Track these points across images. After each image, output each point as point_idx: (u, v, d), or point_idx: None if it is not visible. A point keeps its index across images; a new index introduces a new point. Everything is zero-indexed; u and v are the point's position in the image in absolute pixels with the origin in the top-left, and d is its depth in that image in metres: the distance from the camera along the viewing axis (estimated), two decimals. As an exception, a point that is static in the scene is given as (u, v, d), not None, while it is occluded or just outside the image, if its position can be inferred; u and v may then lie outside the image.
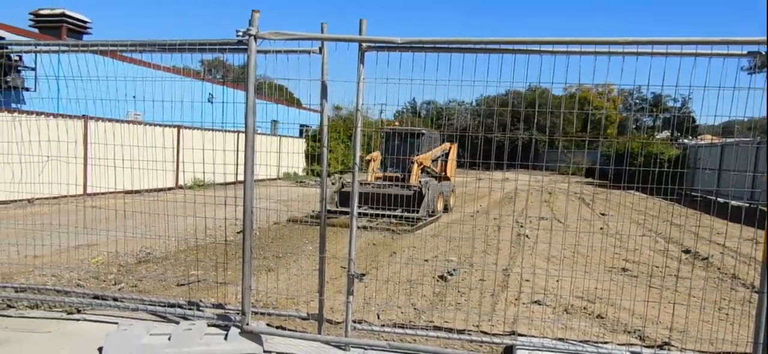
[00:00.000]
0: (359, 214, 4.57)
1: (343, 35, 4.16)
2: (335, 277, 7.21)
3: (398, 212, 12.78)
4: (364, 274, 6.12)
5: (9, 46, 5.93)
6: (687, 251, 10.18)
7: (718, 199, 17.32)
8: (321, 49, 4.28)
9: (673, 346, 4.85)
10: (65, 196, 11.53)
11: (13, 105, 15.36)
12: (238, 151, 4.75)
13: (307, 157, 27.33)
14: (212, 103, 5.09)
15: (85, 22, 20.50)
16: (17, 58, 15.46)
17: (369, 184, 13.73)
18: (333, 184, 15.29)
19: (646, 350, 4.44)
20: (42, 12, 19.61)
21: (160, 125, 15.48)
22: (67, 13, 19.63)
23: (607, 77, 4.17)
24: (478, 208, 16.23)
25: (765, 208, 3.95)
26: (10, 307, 5.08)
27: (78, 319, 4.87)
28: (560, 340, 4.65)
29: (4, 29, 16.09)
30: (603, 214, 15.63)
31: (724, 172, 20.62)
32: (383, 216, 12.23)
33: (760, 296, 3.84)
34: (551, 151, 17.95)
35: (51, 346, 4.31)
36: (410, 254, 9.12)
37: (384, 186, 13.85)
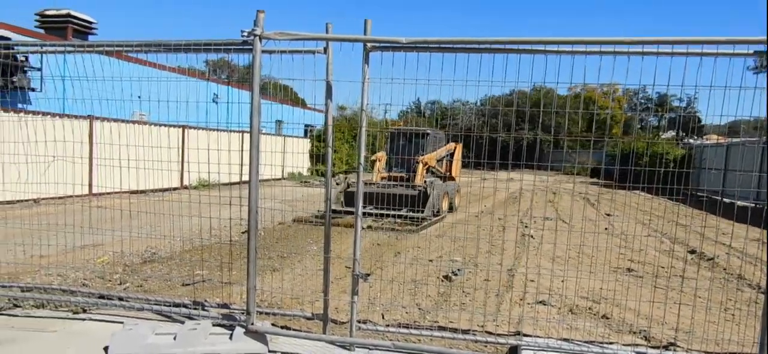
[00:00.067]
0: (364, 214, 4.57)
1: (347, 35, 4.16)
2: (340, 277, 7.21)
3: (403, 212, 12.78)
4: (368, 274, 6.12)
5: (15, 47, 5.97)
6: (692, 251, 10.12)
7: (724, 199, 17.22)
8: (325, 49, 4.28)
9: (678, 346, 4.83)
10: (71, 196, 11.58)
11: (19, 105, 15.44)
12: (242, 151, 4.76)
13: (311, 157, 27.36)
14: (217, 103, 5.11)
15: (91, 22, 20.61)
16: (23, 58, 15.58)
17: (374, 184, 13.73)
18: (338, 184, 15.30)
19: (652, 351, 4.42)
20: (48, 13, 19.72)
21: (165, 125, 15.54)
22: (73, 13, 19.74)
23: (612, 77, 4.16)
24: (483, 208, 16.21)
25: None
26: (16, 306, 5.11)
27: (83, 319, 4.90)
28: (565, 340, 4.63)
29: (10, 30, 16.19)
30: (608, 215, 15.58)
31: (730, 172, 20.53)
32: (388, 216, 12.23)
33: (766, 297, 3.81)
34: (556, 151, 17.88)
35: (57, 345, 4.33)
36: (415, 254, 9.11)
37: (389, 186, 13.85)
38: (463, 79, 4.12)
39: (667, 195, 5.22)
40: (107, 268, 7.14)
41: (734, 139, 19.22)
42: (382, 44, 4.13)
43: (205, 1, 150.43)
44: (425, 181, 14.20)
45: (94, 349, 4.26)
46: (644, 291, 6.71)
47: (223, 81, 24.50)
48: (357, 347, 4.37)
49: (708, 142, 23.07)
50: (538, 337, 4.83)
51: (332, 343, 4.44)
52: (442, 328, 4.87)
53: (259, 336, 4.34)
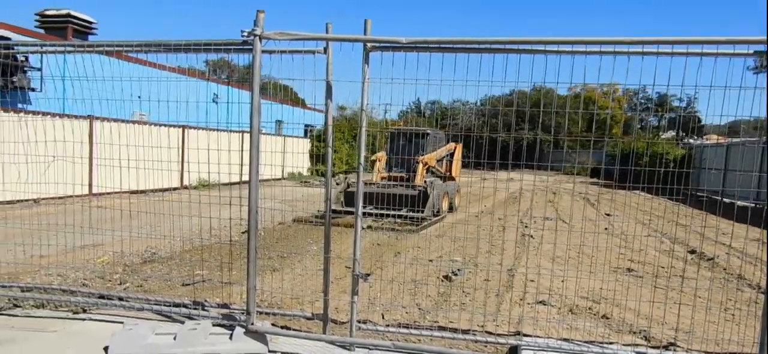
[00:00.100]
0: (364, 214, 4.57)
1: (347, 35, 4.16)
2: (340, 277, 7.21)
3: (403, 212, 12.78)
4: (368, 274, 6.12)
5: (15, 47, 5.97)
6: (692, 251, 10.12)
7: (724, 199, 17.22)
8: (325, 49, 4.28)
9: (678, 346, 4.83)
10: (71, 196, 11.58)
11: (19, 105, 15.44)
12: (242, 151, 4.76)
13: (311, 157, 27.36)
14: (217, 103, 5.12)
15: (91, 22, 20.61)
16: (23, 58, 15.58)
17: (374, 184, 13.73)
18: (338, 184, 15.30)
19: (652, 351, 4.42)
20: (48, 13, 19.73)
21: (165, 125, 15.55)
22: (73, 13, 19.75)
23: (612, 77, 4.16)
24: (483, 208, 16.22)
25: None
26: (16, 306, 5.11)
27: (84, 319, 4.90)
28: (565, 340, 4.63)
29: (10, 30, 16.20)
30: (608, 215, 15.58)
31: (730, 172, 20.52)
32: (388, 216, 12.23)
33: (766, 297, 3.81)
34: (556, 151, 17.89)
35: (57, 345, 4.33)
36: (415, 254, 9.11)
37: (389, 186, 13.85)
38: (463, 79, 4.12)
39: (667, 195, 5.22)
40: (107, 268, 7.14)
41: (734, 139, 19.23)
42: (382, 44, 4.13)
43: (205, 1, 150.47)
44: (425, 181, 14.21)
45: (94, 349, 4.26)
46: (644, 291, 6.71)
47: (223, 81, 24.51)
48: (357, 347, 4.37)
49: (708, 142, 23.07)
50: (538, 337, 4.83)
51: (332, 343, 4.44)
52: (442, 328, 4.87)
53: (259, 336, 4.34)
